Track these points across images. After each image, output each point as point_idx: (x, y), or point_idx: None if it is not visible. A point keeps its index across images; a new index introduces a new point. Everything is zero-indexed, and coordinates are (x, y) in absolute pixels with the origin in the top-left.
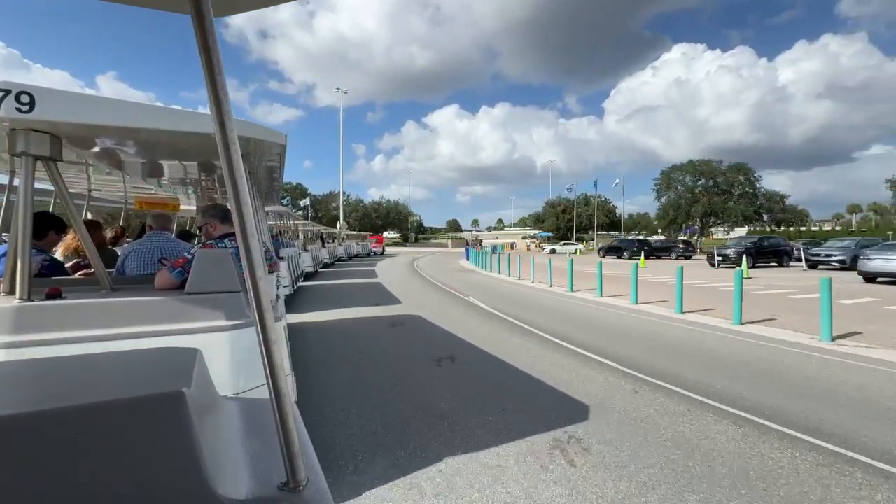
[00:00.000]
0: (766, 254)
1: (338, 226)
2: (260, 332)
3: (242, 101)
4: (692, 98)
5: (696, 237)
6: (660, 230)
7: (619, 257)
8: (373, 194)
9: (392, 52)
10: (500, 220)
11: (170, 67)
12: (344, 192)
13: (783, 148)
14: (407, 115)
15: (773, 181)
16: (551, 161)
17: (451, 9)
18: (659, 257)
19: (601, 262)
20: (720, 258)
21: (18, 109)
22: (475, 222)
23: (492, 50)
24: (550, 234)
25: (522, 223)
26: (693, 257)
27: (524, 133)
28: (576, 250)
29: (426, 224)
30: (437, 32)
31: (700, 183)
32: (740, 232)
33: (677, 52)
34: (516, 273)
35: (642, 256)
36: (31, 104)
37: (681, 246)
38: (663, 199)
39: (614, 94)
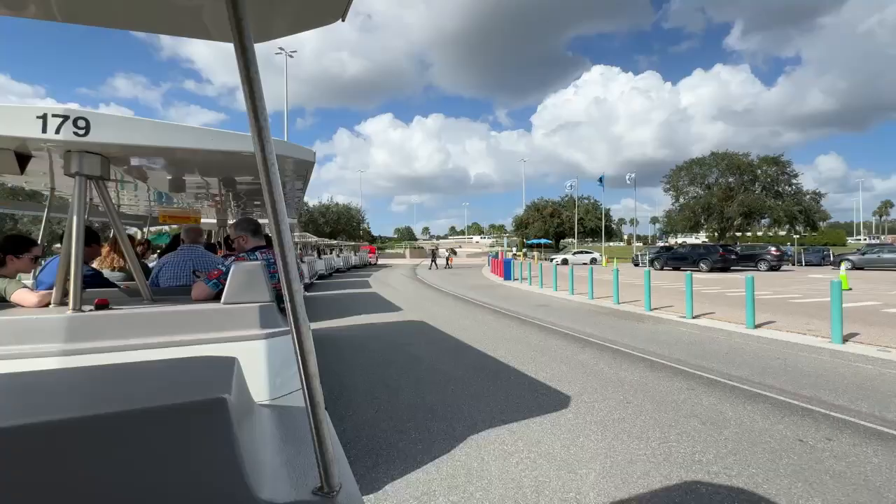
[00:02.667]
0: None
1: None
2: (296, 340)
3: (153, 101)
4: (609, 116)
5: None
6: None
7: (677, 269)
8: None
9: (321, 58)
10: (452, 227)
11: (63, 61)
12: None
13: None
14: (339, 122)
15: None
16: (523, 161)
17: (381, 18)
18: (728, 269)
19: (751, 279)
20: None
21: (76, 133)
22: (426, 230)
23: (424, 61)
24: (547, 240)
25: (477, 230)
26: (782, 268)
27: (457, 144)
28: (592, 259)
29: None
30: (368, 40)
31: (733, 179)
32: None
33: (596, 72)
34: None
35: (843, 271)
36: (87, 128)
37: (772, 253)
38: (682, 199)
39: (541, 109)
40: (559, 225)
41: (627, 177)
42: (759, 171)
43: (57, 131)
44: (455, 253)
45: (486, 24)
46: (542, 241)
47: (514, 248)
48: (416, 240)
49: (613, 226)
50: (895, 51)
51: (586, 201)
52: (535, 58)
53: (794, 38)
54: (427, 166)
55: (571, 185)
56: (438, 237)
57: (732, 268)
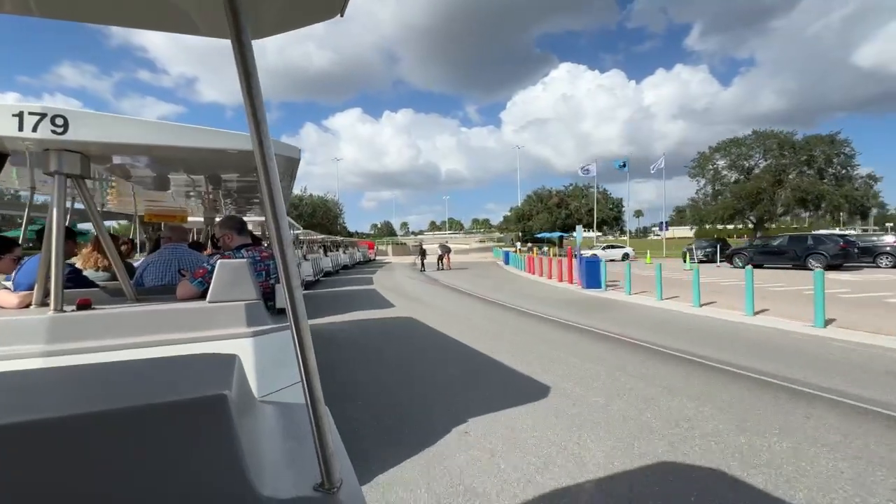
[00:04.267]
0: None
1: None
2: (295, 336)
3: (104, 92)
4: (576, 112)
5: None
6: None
7: (760, 266)
8: None
9: (286, 50)
10: (432, 223)
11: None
12: None
13: (650, 160)
14: (305, 116)
15: (641, 188)
16: (518, 147)
17: (350, 10)
18: (840, 267)
19: None
20: None
21: (53, 131)
22: (404, 225)
23: (393, 55)
24: (563, 233)
25: (457, 226)
26: None
27: (428, 140)
28: (624, 255)
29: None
30: (335, 33)
31: (784, 160)
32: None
33: (563, 70)
34: None
35: None
36: (65, 126)
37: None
38: (717, 185)
39: (510, 105)
40: (567, 216)
41: (653, 167)
42: (816, 152)
43: (34, 129)
44: (449, 250)
45: (455, 18)
46: (558, 234)
47: (519, 244)
48: (395, 235)
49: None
50: (839, 54)
51: (593, 190)
52: (504, 54)
53: (748, 39)
54: (397, 162)
55: (588, 170)
56: (415, 233)
57: (845, 265)
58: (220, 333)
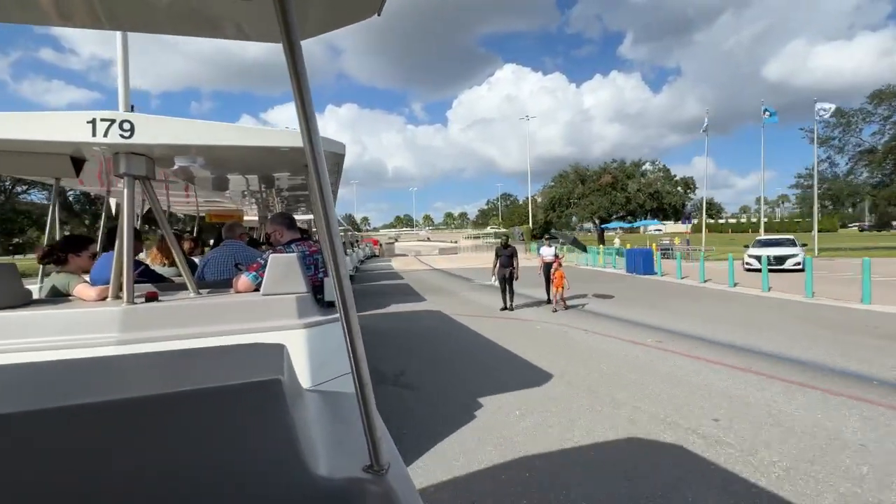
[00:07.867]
0: None
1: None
2: (344, 324)
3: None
4: (521, 113)
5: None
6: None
7: None
8: None
9: None
10: (397, 217)
11: None
12: None
13: (589, 161)
14: (242, 107)
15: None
16: (528, 118)
17: None
18: None
19: None
20: None
21: (122, 136)
22: (365, 220)
23: (335, 46)
24: (657, 223)
25: (427, 222)
26: None
27: (373, 136)
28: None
29: None
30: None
31: None
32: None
33: (508, 70)
34: None
35: None
36: (132, 131)
37: None
38: (882, 153)
39: (456, 105)
40: (627, 201)
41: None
42: None
43: (105, 134)
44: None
45: (395, 13)
46: (654, 222)
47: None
48: (360, 230)
49: (687, 204)
50: (750, 68)
51: (648, 168)
52: (448, 51)
53: (674, 50)
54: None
55: (770, 112)
56: (376, 229)
57: None
58: (272, 325)
